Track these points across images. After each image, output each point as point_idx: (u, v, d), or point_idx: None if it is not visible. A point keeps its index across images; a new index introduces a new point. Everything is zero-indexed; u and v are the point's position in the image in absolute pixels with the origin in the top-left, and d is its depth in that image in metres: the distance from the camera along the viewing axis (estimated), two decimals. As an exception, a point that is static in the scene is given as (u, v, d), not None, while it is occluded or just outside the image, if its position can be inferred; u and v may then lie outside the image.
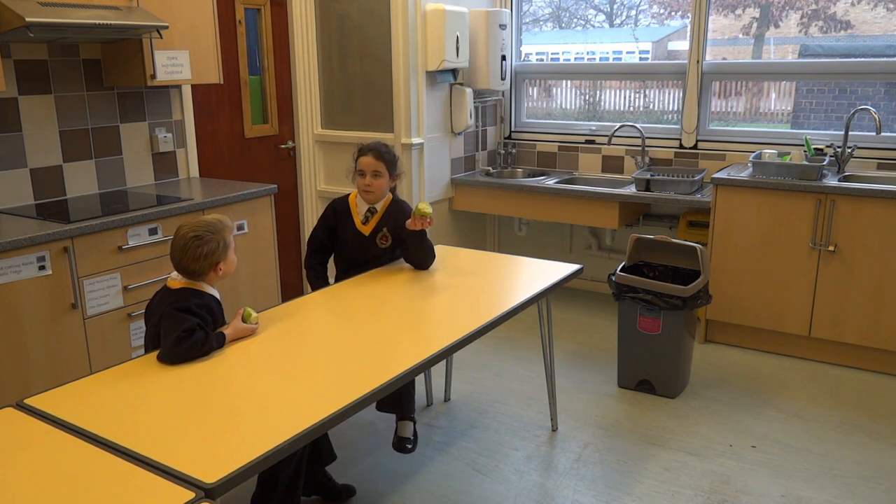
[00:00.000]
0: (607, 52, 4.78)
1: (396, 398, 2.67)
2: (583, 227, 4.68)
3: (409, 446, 2.66)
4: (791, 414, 3.13)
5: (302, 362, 1.97)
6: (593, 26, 4.88)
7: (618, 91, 4.72)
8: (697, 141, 4.27)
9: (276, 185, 3.59)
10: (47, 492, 1.37)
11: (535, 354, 3.71)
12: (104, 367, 1.94)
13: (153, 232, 3.02)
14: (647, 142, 4.34)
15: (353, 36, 4.28)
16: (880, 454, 2.82)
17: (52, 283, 2.69)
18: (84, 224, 2.77)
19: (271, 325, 2.21)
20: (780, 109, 4.26)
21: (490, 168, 4.73)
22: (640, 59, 4.73)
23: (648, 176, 4.04)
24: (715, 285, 3.66)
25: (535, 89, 4.98)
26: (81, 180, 3.34)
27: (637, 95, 4.63)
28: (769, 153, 3.85)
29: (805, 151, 3.75)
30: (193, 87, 3.78)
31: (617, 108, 4.72)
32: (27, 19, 2.53)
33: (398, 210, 2.81)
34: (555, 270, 2.78)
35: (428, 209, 2.63)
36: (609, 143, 4.30)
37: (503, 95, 4.86)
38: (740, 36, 4.28)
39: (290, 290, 4.32)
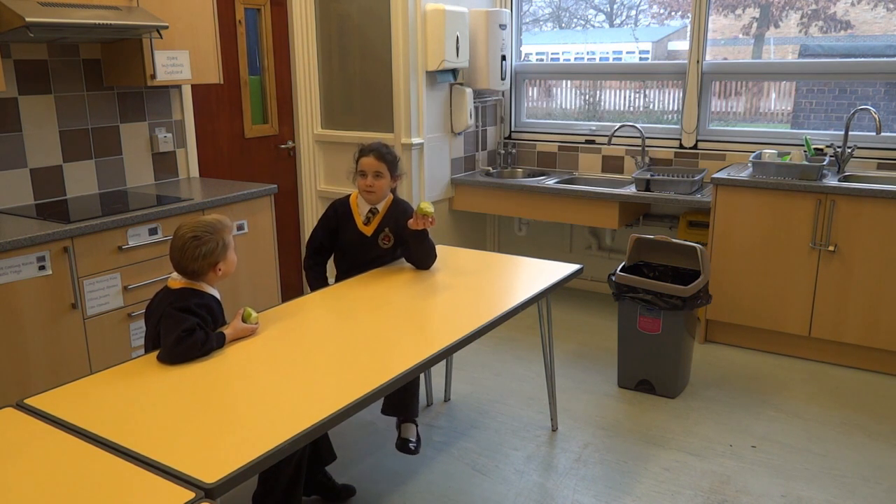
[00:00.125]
0: (607, 52, 4.78)
1: (401, 401, 2.67)
2: (583, 227, 4.68)
3: (413, 447, 2.66)
4: (791, 414, 3.13)
5: (302, 362, 1.97)
6: (593, 26, 4.88)
7: (618, 91, 4.72)
8: (697, 141, 4.27)
9: (276, 185, 3.59)
10: (47, 492, 1.37)
11: (535, 354, 3.71)
12: (104, 367, 1.94)
13: (153, 232, 3.02)
14: (647, 142, 4.34)
15: (353, 36, 4.28)
16: (880, 454, 2.82)
17: (52, 283, 2.69)
18: (84, 224, 2.77)
19: (271, 325, 2.21)
20: (780, 109, 4.26)
21: (490, 168, 4.73)
22: (640, 59, 4.73)
23: (648, 176, 4.04)
24: (715, 285, 3.66)
25: (535, 89, 4.98)
26: (81, 180, 3.34)
27: (637, 95, 4.63)
28: (769, 153, 3.85)
29: (805, 151, 3.75)
30: (193, 87, 3.78)
31: (617, 108, 4.72)
32: (27, 19, 2.53)
33: (400, 210, 2.81)
34: (555, 270, 2.78)
35: (430, 209, 2.63)
36: (609, 143, 4.30)
37: (503, 95, 4.86)
38: (740, 36, 4.28)
39: (290, 290, 4.32)
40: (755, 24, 4.22)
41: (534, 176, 4.56)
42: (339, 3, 4.27)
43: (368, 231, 2.81)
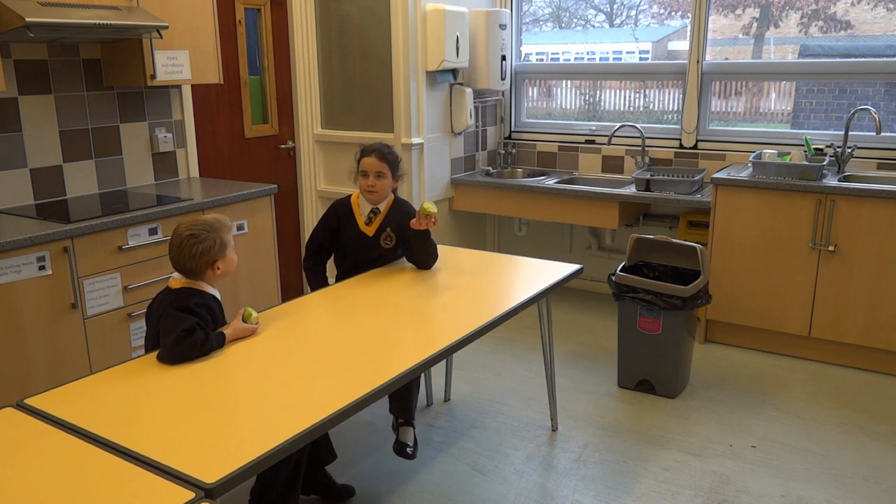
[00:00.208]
0: (607, 52, 4.78)
1: (404, 400, 2.67)
2: (583, 227, 4.68)
3: (410, 452, 2.66)
4: (791, 414, 3.13)
5: (302, 362, 1.97)
6: (593, 26, 4.88)
7: (618, 91, 4.72)
8: (697, 141, 4.27)
9: (276, 185, 3.59)
10: (47, 492, 1.37)
11: (535, 354, 3.71)
12: (104, 367, 1.94)
13: (153, 232, 3.02)
14: (647, 142, 4.34)
15: (353, 36, 4.28)
16: (880, 454, 2.82)
17: (52, 283, 2.69)
18: (84, 224, 2.77)
19: (271, 325, 2.21)
20: (780, 109, 4.26)
21: (490, 168, 4.73)
22: (640, 59, 4.73)
23: (648, 176, 4.04)
24: (715, 285, 3.66)
25: (535, 89, 4.98)
26: (81, 180, 3.34)
27: (637, 95, 4.63)
28: (769, 153, 3.85)
29: (805, 151, 3.75)
30: (193, 87, 3.78)
31: (617, 108, 4.72)
32: (27, 19, 2.53)
33: (401, 210, 2.82)
34: (555, 270, 2.78)
35: (433, 209, 2.64)
36: (609, 143, 4.30)
37: (503, 95, 4.86)
38: (740, 36, 4.28)
39: (290, 290, 4.33)
40: (755, 24, 4.22)
41: (534, 176, 4.56)
42: (339, 3, 4.27)
43: (370, 231, 2.81)
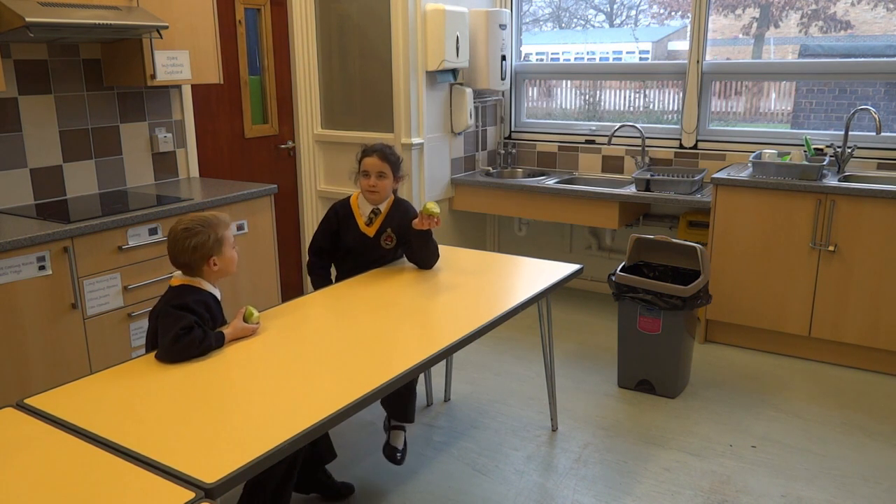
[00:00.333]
0: (607, 52, 4.78)
1: (399, 401, 2.67)
2: (583, 227, 4.68)
3: (399, 457, 2.66)
4: (791, 414, 3.13)
5: (302, 362, 1.97)
6: (593, 26, 4.88)
7: (618, 91, 4.72)
8: (697, 141, 4.27)
9: (276, 185, 3.59)
10: (47, 492, 1.37)
11: (535, 354, 3.71)
12: (104, 367, 1.94)
13: (153, 232, 3.02)
14: (647, 142, 4.34)
15: (353, 36, 4.28)
16: (880, 454, 2.82)
17: (52, 283, 2.69)
18: (84, 224, 2.77)
19: (272, 324, 2.21)
20: (780, 109, 4.26)
21: (490, 168, 4.73)
22: (640, 59, 4.73)
23: (648, 176, 4.04)
24: (715, 285, 3.66)
25: (535, 89, 4.98)
26: (81, 180, 3.34)
27: (637, 95, 4.63)
28: (769, 153, 3.85)
29: (805, 151, 3.75)
30: (193, 87, 3.78)
31: (617, 108, 4.72)
32: (27, 19, 2.53)
33: (402, 210, 2.82)
34: (555, 270, 2.78)
35: (436, 209, 2.64)
36: (609, 143, 4.30)
37: (503, 95, 4.86)
38: (740, 36, 4.28)
39: (290, 290, 4.33)
40: (755, 24, 4.22)
41: (534, 176, 4.56)
42: (339, 3, 4.27)
43: (371, 232, 2.81)
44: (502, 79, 4.48)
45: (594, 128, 4.66)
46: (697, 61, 4.16)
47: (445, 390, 3.31)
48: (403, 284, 2.62)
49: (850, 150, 3.73)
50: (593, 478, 2.67)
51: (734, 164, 4.06)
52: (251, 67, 4.16)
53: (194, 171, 3.81)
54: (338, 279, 2.84)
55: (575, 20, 4.92)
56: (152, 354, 1.97)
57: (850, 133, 3.74)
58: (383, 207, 2.81)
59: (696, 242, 3.31)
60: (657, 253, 3.47)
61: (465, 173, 4.60)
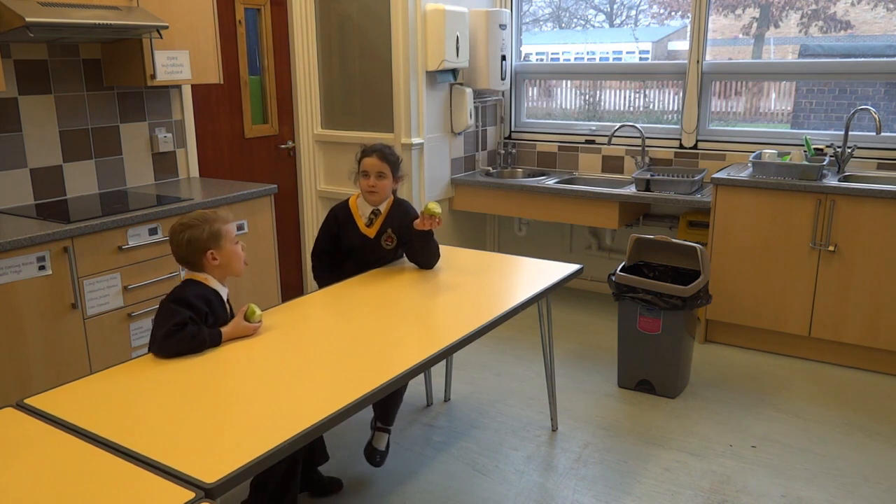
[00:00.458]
0: (607, 52, 4.78)
1: (388, 404, 2.67)
2: (583, 227, 4.68)
3: (379, 459, 2.67)
4: (791, 414, 3.13)
5: (302, 362, 1.97)
6: (593, 26, 4.88)
7: (618, 91, 4.72)
8: (697, 141, 4.27)
9: (276, 185, 3.59)
10: (47, 492, 1.37)
11: (535, 354, 3.71)
12: (104, 366, 1.94)
13: (153, 232, 3.02)
14: (647, 142, 4.34)
15: (353, 36, 4.28)
16: (880, 454, 2.82)
17: (52, 283, 2.69)
18: (84, 224, 2.77)
19: (272, 324, 2.21)
20: (780, 109, 4.26)
21: (490, 168, 4.73)
22: (640, 59, 4.73)
23: (648, 176, 4.04)
24: (715, 285, 3.66)
25: (535, 89, 4.98)
26: (81, 180, 3.34)
27: (637, 95, 4.63)
28: (769, 153, 3.85)
29: (805, 151, 3.75)
30: (193, 87, 3.78)
31: (617, 108, 4.72)
32: (27, 19, 2.53)
33: (402, 210, 2.82)
34: (555, 270, 2.78)
35: (437, 209, 2.63)
36: (609, 143, 4.30)
37: (503, 95, 4.86)
38: (740, 36, 4.28)
39: (290, 290, 4.33)
40: (755, 24, 4.22)
41: (534, 176, 4.56)
42: (339, 3, 4.27)
43: (371, 233, 2.81)
44: (502, 79, 4.48)
45: (594, 128, 4.66)
46: (697, 61, 4.16)
47: (445, 390, 3.31)
48: (404, 284, 2.62)
49: (850, 150, 3.73)
50: (593, 478, 2.67)
51: (734, 164, 4.06)
52: (251, 67, 4.16)
53: (194, 171, 3.81)
54: (339, 280, 2.84)
55: (575, 20, 4.92)
56: (152, 354, 1.98)
57: (850, 133, 3.74)
58: (383, 208, 2.81)
59: (696, 242, 3.31)
60: (657, 253, 3.47)
61: (465, 173, 4.60)
